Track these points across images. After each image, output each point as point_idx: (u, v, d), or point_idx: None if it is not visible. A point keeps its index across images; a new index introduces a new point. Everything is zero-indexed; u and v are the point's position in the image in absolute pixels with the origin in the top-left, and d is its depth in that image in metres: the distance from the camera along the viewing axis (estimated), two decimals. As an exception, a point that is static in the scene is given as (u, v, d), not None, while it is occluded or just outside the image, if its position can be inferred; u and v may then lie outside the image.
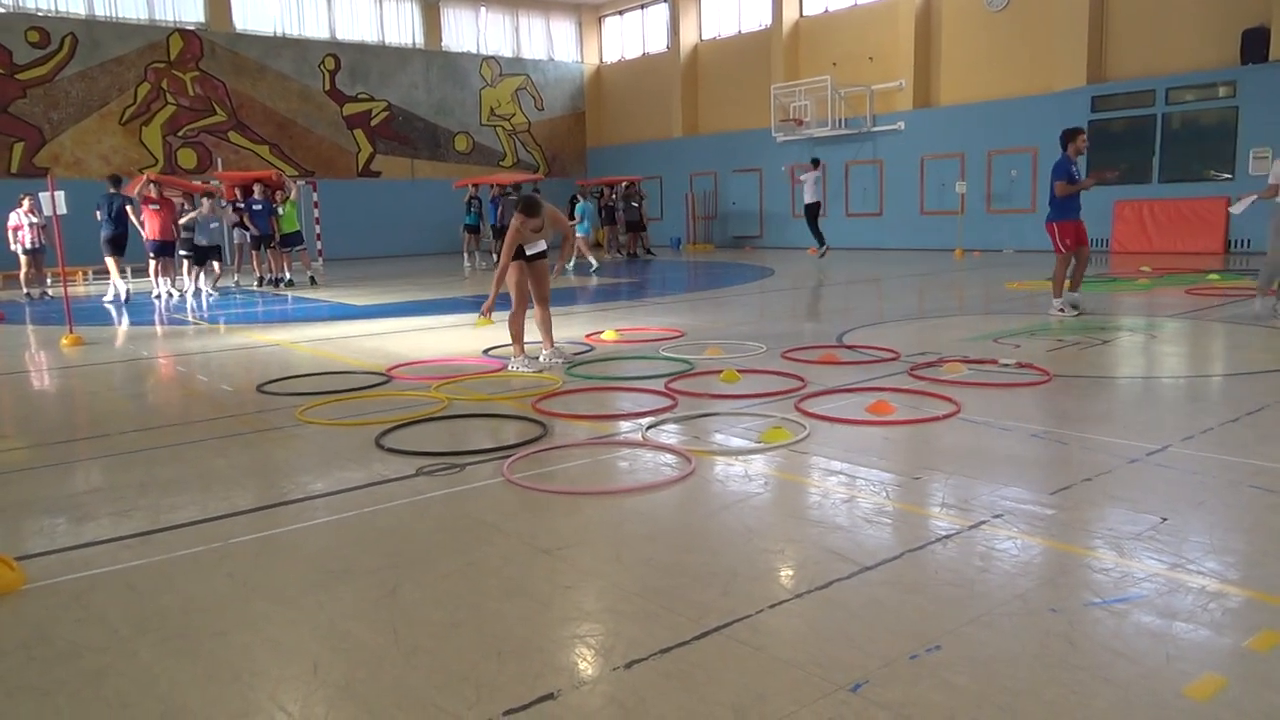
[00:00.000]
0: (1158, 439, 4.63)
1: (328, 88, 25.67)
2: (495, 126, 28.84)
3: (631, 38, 29.86)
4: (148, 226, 14.67)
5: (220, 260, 15.92)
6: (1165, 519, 3.49)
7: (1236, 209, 9.41)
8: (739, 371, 6.62)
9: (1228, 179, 16.79)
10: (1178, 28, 17.38)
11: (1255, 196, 8.99)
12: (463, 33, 28.30)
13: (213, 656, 2.69)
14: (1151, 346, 7.56)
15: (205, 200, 15.37)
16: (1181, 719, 2.20)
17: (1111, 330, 8.31)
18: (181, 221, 15.02)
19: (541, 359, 7.31)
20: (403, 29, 27.18)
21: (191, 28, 23.58)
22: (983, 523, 3.52)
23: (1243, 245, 16.73)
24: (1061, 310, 9.26)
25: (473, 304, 13.26)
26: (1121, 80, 18.14)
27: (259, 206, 16.25)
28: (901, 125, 21.61)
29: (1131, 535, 3.34)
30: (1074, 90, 18.44)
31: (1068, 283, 9.35)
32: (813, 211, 19.24)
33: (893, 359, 7.13)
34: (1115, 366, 6.91)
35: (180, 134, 23.54)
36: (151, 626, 2.89)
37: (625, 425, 5.38)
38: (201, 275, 15.46)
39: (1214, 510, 3.62)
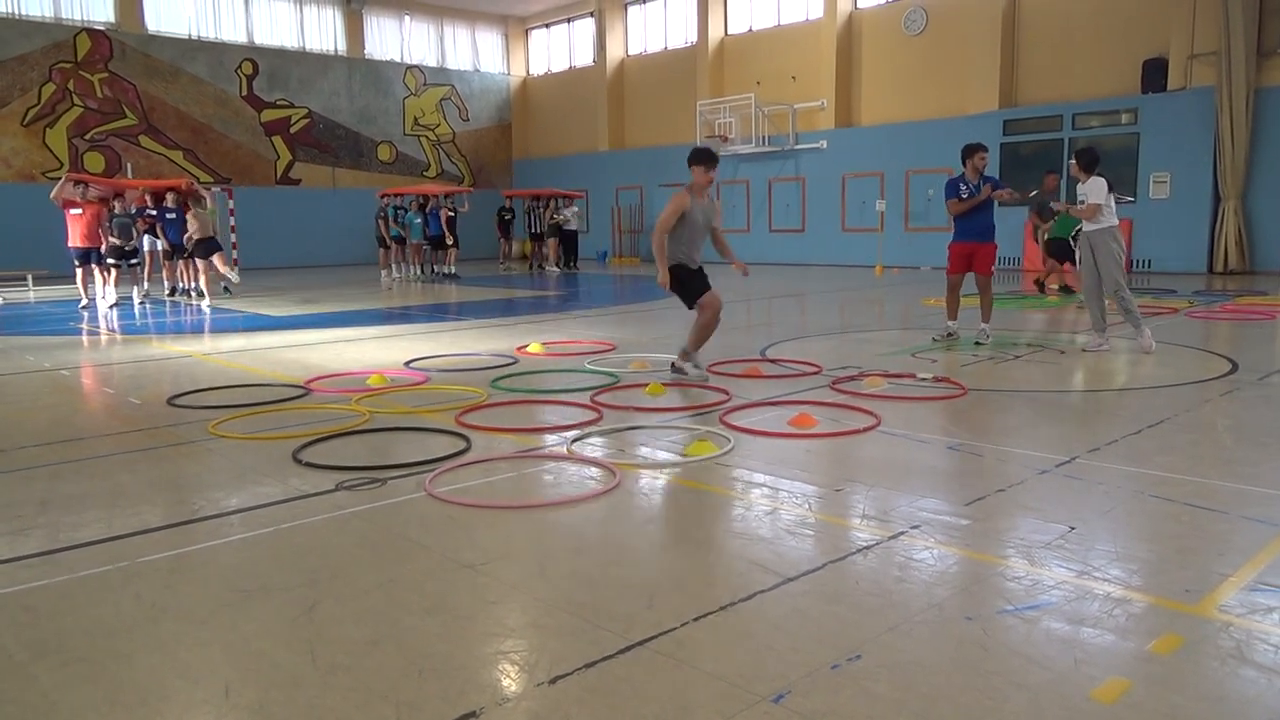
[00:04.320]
0: (1066, 451, 4.79)
1: (245, 93, 25.04)
2: (419, 136, 28.52)
3: (558, 51, 29.88)
4: (70, 231, 13.98)
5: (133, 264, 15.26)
6: (1073, 528, 3.62)
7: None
8: (664, 385, 6.65)
9: (1130, 201, 17.55)
10: (1084, 57, 18.18)
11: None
12: (386, 41, 27.94)
13: (117, 680, 2.57)
14: (1060, 361, 7.84)
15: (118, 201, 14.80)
16: (1089, 721, 2.27)
17: (1023, 346, 8.60)
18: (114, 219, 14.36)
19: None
20: (324, 35, 26.70)
21: (100, 27, 22.76)
22: (901, 533, 3.60)
23: (1144, 265, 17.51)
24: (938, 337, 8.83)
25: (398, 315, 13.07)
26: (1031, 105, 18.89)
27: (172, 216, 15.67)
28: (824, 144, 22.07)
29: (1041, 544, 3.45)
30: (987, 114, 19.11)
31: (979, 313, 8.76)
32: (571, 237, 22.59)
33: (815, 373, 7.26)
34: (1027, 381, 7.14)
35: (87, 137, 22.67)
36: (51, 650, 2.75)
37: (550, 438, 5.35)
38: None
39: (1118, 519, 3.77)
